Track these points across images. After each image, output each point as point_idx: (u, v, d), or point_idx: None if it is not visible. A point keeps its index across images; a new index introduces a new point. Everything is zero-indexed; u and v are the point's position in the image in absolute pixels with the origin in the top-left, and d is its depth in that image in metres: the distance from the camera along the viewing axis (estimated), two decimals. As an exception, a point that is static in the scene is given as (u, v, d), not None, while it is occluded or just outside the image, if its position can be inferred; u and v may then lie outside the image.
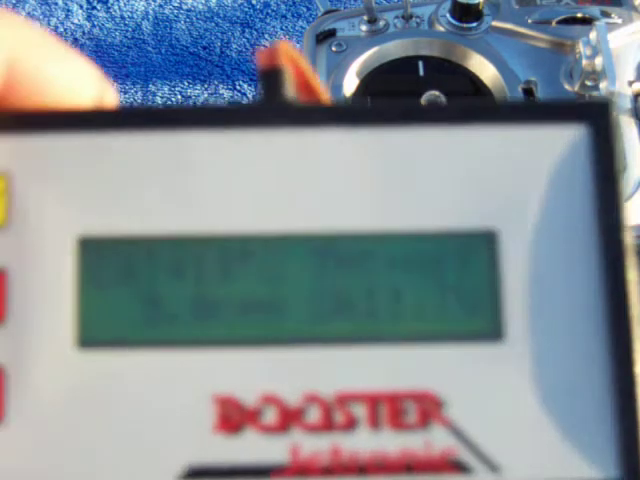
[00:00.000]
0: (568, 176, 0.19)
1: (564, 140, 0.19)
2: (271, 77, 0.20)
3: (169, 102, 0.90)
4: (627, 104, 0.61)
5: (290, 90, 0.20)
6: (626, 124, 0.60)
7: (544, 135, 0.19)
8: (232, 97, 0.90)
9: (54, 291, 0.19)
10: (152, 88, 0.91)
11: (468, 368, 0.18)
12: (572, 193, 0.19)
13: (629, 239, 0.19)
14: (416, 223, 0.19)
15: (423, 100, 0.57)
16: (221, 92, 0.91)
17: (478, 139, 0.19)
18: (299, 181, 0.19)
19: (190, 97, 0.91)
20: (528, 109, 0.19)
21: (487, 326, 0.19)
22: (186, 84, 0.92)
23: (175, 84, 0.92)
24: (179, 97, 0.91)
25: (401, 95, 0.62)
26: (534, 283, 0.19)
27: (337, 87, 0.62)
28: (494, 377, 0.18)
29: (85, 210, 0.19)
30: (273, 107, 0.19)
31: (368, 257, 0.19)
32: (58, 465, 0.18)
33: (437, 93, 0.57)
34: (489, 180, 0.19)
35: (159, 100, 0.90)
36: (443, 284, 0.19)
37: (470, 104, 0.19)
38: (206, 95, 0.90)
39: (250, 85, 0.91)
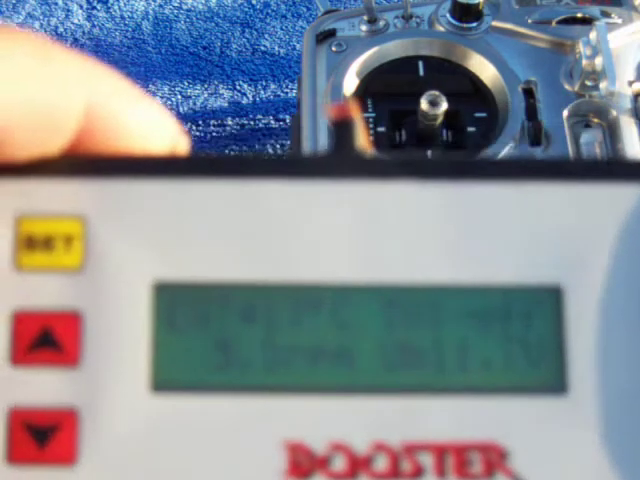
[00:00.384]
0: (632, 234, 0.19)
1: (629, 198, 0.20)
2: (343, 129, 0.20)
3: (169, 102, 0.90)
4: (627, 104, 0.61)
5: (361, 142, 0.20)
6: (626, 124, 0.60)
7: (610, 193, 0.20)
8: (232, 97, 0.90)
9: (129, 335, 0.19)
10: (152, 88, 0.91)
11: (532, 420, 0.19)
12: (635, 250, 0.19)
13: None
14: (484, 276, 0.19)
15: (423, 100, 0.57)
16: (221, 92, 0.91)
17: (547, 195, 0.20)
18: (370, 232, 0.19)
19: (190, 97, 0.91)
20: (594, 167, 0.20)
21: (551, 379, 0.19)
22: (186, 84, 0.92)
23: (175, 84, 0.92)
24: (179, 97, 0.91)
25: (401, 95, 0.62)
26: (599, 339, 0.19)
27: (337, 87, 0.62)
28: (557, 429, 0.19)
29: (160, 256, 0.19)
30: (346, 158, 0.20)
31: (436, 309, 0.19)
32: None
33: (437, 93, 0.57)
34: (557, 236, 0.19)
35: (159, 100, 0.90)
36: (509, 337, 0.19)
37: (541, 161, 0.20)
38: (206, 95, 0.90)
39: (250, 85, 0.91)
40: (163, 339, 0.19)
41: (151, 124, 0.20)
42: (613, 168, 0.20)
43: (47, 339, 0.19)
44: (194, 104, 0.90)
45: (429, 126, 0.59)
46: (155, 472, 0.18)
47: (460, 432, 0.19)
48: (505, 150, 0.59)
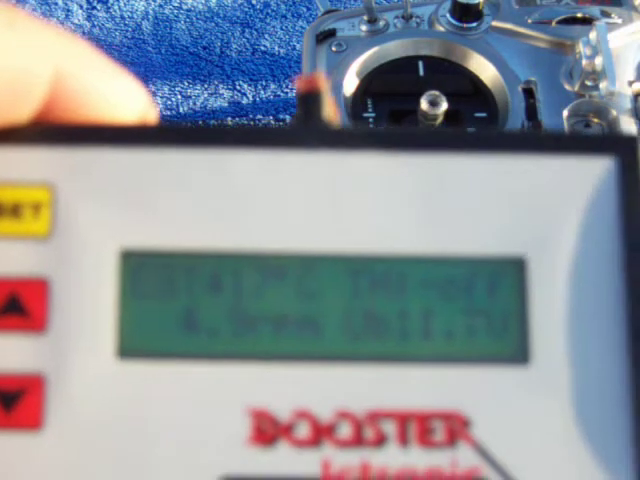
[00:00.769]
0: (597, 206, 0.20)
1: (594, 172, 0.20)
2: (310, 100, 0.20)
3: (169, 102, 0.90)
4: (627, 104, 0.61)
5: (327, 114, 0.20)
6: (626, 124, 0.60)
7: (574, 166, 0.20)
8: (232, 97, 0.90)
9: (95, 302, 0.19)
10: (152, 88, 0.91)
11: (495, 390, 0.19)
12: (601, 222, 0.19)
13: None
14: (448, 248, 0.19)
15: (423, 100, 0.57)
16: (221, 92, 0.91)
17: (513, 167, 0.20)
18: (335, 202, 0.19)
19: (190, 97, 0.91)
20: (560, 140, 0.20)
21: (514, 350, 0.19)
22: (186, 84, 0.92)
23: (175, 84, 0.92)
24: (179, 97, 0.91)
25: (401, 95, 0.62)
26: (562, 310, 0.19)
27: (337, 87, 0.62)
28: (520, 399, 0.19)
29: (127, 224, 0.19)
30: (313, 129, 0.20)
31: (401, 279, 0.19)
32: (93, 474, 0.18)
33: (437, 93, 0.57)
34: (522, 208, 0.20)
35: (159, 100, 0.90)
36: (473, 308, 0.19)
37: (503, 133, 0.20)
38: (206, 95, 0.90)
39: (250, 85, 0.91)
40: (129, 306, 0.19)
41: (120, 93, 0.19)
42: (580, 141, 0.20)
43: (14, 305, 0.19)
44: (194, 104, 0.90)
45: (429, 126, 0.59)
46: (120, 438, 0.19)
47: (423, 401, 0.19)
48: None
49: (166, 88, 0.91)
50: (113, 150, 0.19)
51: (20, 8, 0.18)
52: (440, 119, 0.58)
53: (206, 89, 0.91)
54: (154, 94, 0.91)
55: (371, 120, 0.61)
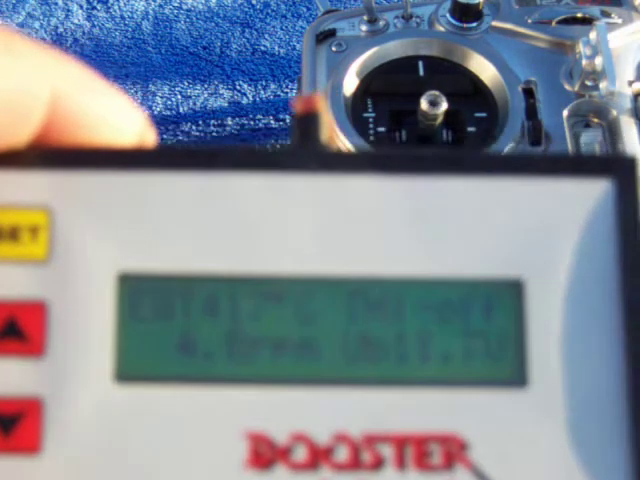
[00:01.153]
0: (594, 228, 0.20)
1: (591, 193, 0.20)
2: (308, 122, 0.20)
3: (169, 102, 0.90)
4: (627, 104, 0.61)
5: (325, 136, 0.20)
6: (626, 124, 0.60)
7: (571, 188, 0.20)
8: (232, 97, 0.90)
9: (93, 325, 0.19)
10: (152, 88, 0.91)
11: (492, 412, 0.19)
12: (598, 244, 0.19)
13: None
14: (445, 270, 0.19)
15: (423, 100, 0.57)
16: (221, 92, 0.91)
17: (510, 189, 0.20)
18: (333, 225, 0.20)
19: (190, 97, 0.91)
20: (556, 162, 0.20)
21: (511, 372, 0.19)
22: (186, 84, 0.92)
23: (175, 84, 0.92)
24: (179, 97, 0.90)
25: (401, 95, 0.62)
26: (559, 332, 0.19)
27: (337, 87, 0.62)
28: (517, 422, 0.19)
29: (125, 247, 0.19)
30: (312, 151, 0.20)
31: (398, 302, 0.19)
32: None
33: (437, 93, 0.57)
34: (519, 230, 0.20)
35: (159, 100, 0.90)
36: (470, 330, 0.19)
37: (501, 155, 0.20)
38: (206, 95, 0.90)
39: (250, 85, 0.91)
40: (127, 330, 0.19)
41: (117, 116, 0.19)
42: (577, 163, 0.20)
43: (12, 329, 0.19)
44: (194, 104, 0.90)
45: (429, 126, 0.59)
46: (118, 462, 0.19)
47: (421, 424, 0.19)
48: (505, 150, 0.59)
49: (166, 88, 0.91)
50: (111, 173, 0.19)
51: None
52: (440, 119, 0.58)
53: (206, 89, 0.91)
54: (154, 94, 0.91)
55: (371, 120, 0.61)
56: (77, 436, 0.19)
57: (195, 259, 0.19)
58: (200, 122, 0.88)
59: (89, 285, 0.19)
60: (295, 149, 0.20)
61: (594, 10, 0.66)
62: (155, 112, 0.89)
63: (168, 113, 0.90)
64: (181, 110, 0.90)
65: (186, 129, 0.88)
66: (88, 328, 0.19)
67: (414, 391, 0.19)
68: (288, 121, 0.85)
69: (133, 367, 0.19)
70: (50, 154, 0.19)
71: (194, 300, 0.19)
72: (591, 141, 0.60)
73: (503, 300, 0.19)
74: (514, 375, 0.19)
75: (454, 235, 0.20)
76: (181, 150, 0.20)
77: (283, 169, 0.20)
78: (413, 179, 0.20)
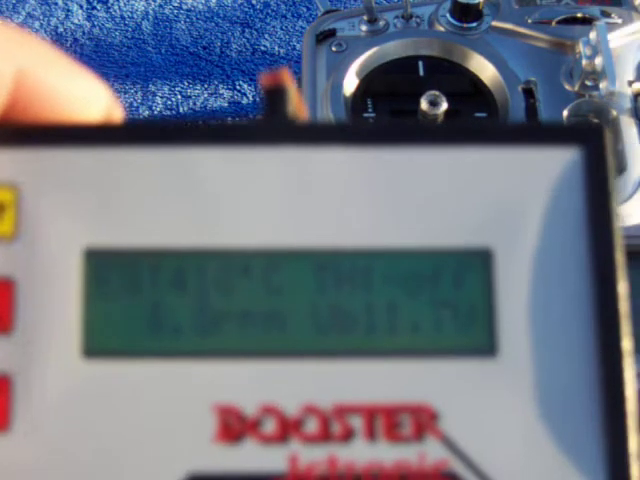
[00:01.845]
0: (563, 197, 0.19)
1: (559, 162, 0.20)
2: (275, 95, 0.20)
3: (169, 102, 0.90)
4: (627, 104, 0.61)
5: (292, 109, 0.20)
6: (626, 124, 0.60)
7: (539, 157, 0.20)
8: (232, 97, 0.90)
9: (61, 302, 0.19)
10: (152, 88, 0.91)
11: (463, 382, 0.19)
12: (566, 213, 0.19)
13: (621, 258, 0.19)
14: (413, 241, 0.19)
15: (423, 100, 0.57)
16: (221, 92, 0.91)
17: (477, 159, 0.20)
18: (300, 198, 0.19)
19: (190, 97, 0.91)
20: (524, 131, 0.20)
21: (481, 342, 0.19)
22: (186, 84, 0.92)
23: (175, 84, 0.92)
24: (179, 97, 0.91)
25: (401, 95, 0.62)
26: (529, 301, 0.19)
27: (337, 87, 0.62)
28: (487, 391, 0.19)
29: (92, 223, 0.19)
30: (276, 124, 0.20)
31: (366, 273, 0.19)
32: (60, 472, 0.18)
33: (437, 93, 0.57)
34: (487, 200, 0.19)
35: (159, 100, 0.90)
36: (439, 300, 0.19)
37: (468, 125, 0.20)
38: (206, 95, 0.90)
39: (250, 85, 0.91)
40: (94, 305, 0.19)
41: (83, 92, 0.19)
42: (545, 132, 0.20)
43: None
44: (194, 104, 0.90)
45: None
46: (87, 437, 0.19)
47: (390, 395, 0.19)
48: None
49: (166, 88, 0.91)
50: (76, 150, 0.19)
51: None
52: (440, 119, 0.58)
53: (206, 89, 0.91)
54: (154, 94, 0.91)
55: (371, 120, 0.61)
56: (46, 413, 0.19)
57: (162, 234, 0.19)
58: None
59: (56, 262, 0.19)
60: (259, 122, 0.20)
61: (594, 10, 0.66)
62: (155, 112, 0.89)
63: (168, 113, 0.90)
64: (181, 110, 0.90)
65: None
66: (55, 304, 0.19)
67: (384, 362, 0.19)
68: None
69: (101, 342, 0.19)
70: (16, 131, 0.19)
71: (161, 275, 0.19)
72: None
73: (472, 270, 0.19)
74: (484, 344, 0.19)
75: (422, 206, 0.19)
76: (146, 125, 0.20)
77: (248, 142, 0.19)
78: (380, 151, 0.20)
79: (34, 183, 0.19)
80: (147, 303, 0.19)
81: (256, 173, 0.19)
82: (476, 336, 0.19)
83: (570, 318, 0.19)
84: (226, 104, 0.90)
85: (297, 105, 0.21)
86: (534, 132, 0.20)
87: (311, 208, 0.19)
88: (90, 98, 0.20)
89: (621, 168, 0.58)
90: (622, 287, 0.19)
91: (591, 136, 0.20)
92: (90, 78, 0.20)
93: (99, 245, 0.19)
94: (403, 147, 0.20)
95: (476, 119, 0.61)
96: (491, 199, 0.19)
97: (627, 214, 0.57)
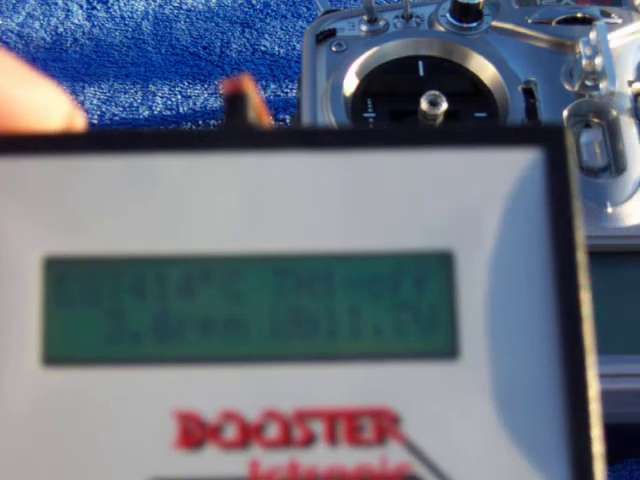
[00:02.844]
0: (524, 199, 0.19)
1: (519, 164, 0.20)
2: (235, 102, 0.20)
3: (169, 102, 0.90)
4: (627, 104, 0.61)
5: (253, 115, 0.20)
6: (626, 124, 0.60)
7: (500, 158, 0.20)
8: (232, 97, 0.90)
9: (19, 310, 0.19)
10: (152, 88, 0.91)
11: (424, 386, 0.19)
12: (528, 215, 0.19)
13: (583, 259, 0.19)
14: (374, 244, 0.19)
15: (423, 100, 0.57)
16: (221, 92, 0.91)
17: (436, 162, 0.20)
18: (259, 203, 0.19)
19: (190, 97, 0.91)
20: (484, 132, 0.20)
21: (443, 345, 0.19)
22: (186, 84, 0.92)
23: (175, 84, 0.92)
24: (179, 97, 0.90)
25: (401, 95, 0.62)
26: (490, 303, 0.19)
27: (337, 87, 0.62)
28: (449, 394, 0.19)
29: (50, 231, 0.19)
30: (238, 130, 0.20)
31: (327, 277, 0.19)
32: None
33: (437, 93, 0.57)
34: (447, 202, 0.19)
35: (159, 100, 0.90)
36: (400, 304, 0.19)
37: (427, 128, 0.20)
38: (206, 95, 0.90)
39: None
40: (54, 313, 0.19)
41: (42, 101, 0.19)
42: (505, 134, 0.20)
43: None
44: (194, 104, 0.90)
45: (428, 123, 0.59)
46: (46, 445, 0.18)
47: (352, 399, 0.19)
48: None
49: (166, 88, 0.91)
50: (34, 158, 0.19)
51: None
52: (440, 119, 0.58)
53: (206, 89, 0.91)
54: (154, 94, 0.91)
55: (371, 120, 0.61)
56: (5, 420, 0.18)
57: (121, 241, 0.19)
58: (200, 122, 0.88)
59: (15, 270, 0.19)
60: (217, 129, 0.21)
61: (594, 10, 0.66)
62: (155, 112, 0.89)
63: (168, 113, 0.90)
64: (181, 110, 0.90)
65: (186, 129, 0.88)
66: (14, 313, 0.19)
67: (345, 366, 0.19)
68: (288, 121, 0.85)
69: (60, 350, 0.19)
70: None
71: (121, 282, 0.19)
72: (591, 141, 0.60)
73: (433, 272, 0.19)
74: (445, 348, 0.19)
75: (382, 209, 0.19)
76: (103, 133, 0.20)
77: (207, 148, 0.19)
78: (338, 154, 0.20)
79: None
80: (107, 310, 0.19)
81: (216, 179, 0.19)
82: (437, 339, 0.19)
83: (532, 320, 0.19)
84: (226, 104, 0.90)
85: (259, 111, 0.21)
86: (494, 133, 0.20)
87: (270, 213, 0.19)
88: (49, 106, 0.19)
89: (621, 168, 0.58)
90: (584, 289, 0.19)
91: (552, 137, 0.20)
92: (49, 86, 0.19)
93: (58, 253, 0.19)
94: (361, 151, 0.20)
95: (475, 119, 0.61)
96: (452, 201, 0.19)
97: (627, 214, 0.57)
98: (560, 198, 0.19)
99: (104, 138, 0.20)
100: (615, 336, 0.51)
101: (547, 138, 0.20)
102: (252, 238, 0.19)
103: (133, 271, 0.19)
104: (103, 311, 0.19)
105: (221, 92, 0.20)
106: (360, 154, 0.20)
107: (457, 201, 0.19)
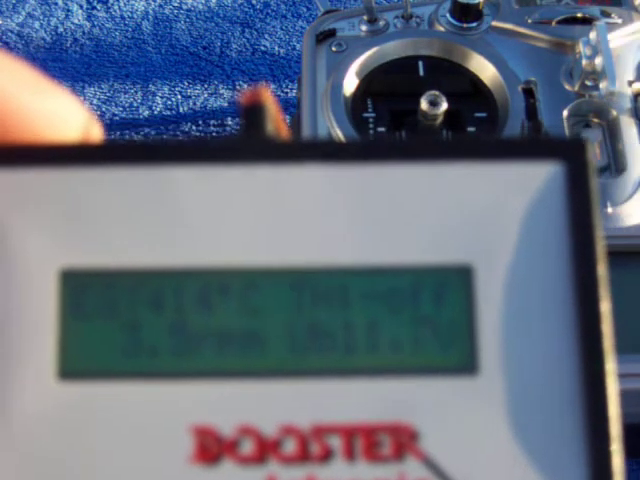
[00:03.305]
0: (543, 213, 0.19)
1: (540, 177, 0.19)
2: (253, 113, 0.20)
3: (169, 102, 0.90)
4: (627, 104, 0.61)
5: (271, 126, 0.20)
6: (626, 124, 0.60)
7: (520, 172, 0.19)
8: (232, 97, 0.90)
9: (36, 323, 0.19)
10: (152, 88, 0.91)
11: (443, 401, 0.19)
12: (547, 229, 0.19)
13: (604, 274, 0.19)
14: (393, 258, 0.19)
15: (423, 100, 0.57)
16: (221, 92, 0.91)
17: (456, 174, 0.19)
18: (277, 216, 0.19)
19: (190, 97, 0.91)
20: (504, 145, 0.20)
21: (461, 360, 0.19)
22: (186, 84, 0.92)
23: (175, 84, 0.92)
24: (179, 97, 0.90)
25: (401, 95, 0.62)
26: (509, 318, 0.19)
27: (337, 87, 0.62)
28: (468, 410, 0.19)
29: (67, 243, 0.19)
30: (255, 142, 0.20)
31: (345, 291, 0.19)
32: None
33: (437, 93, 0.57)
34: (467, 216, 0.19)
35: (159, 100, 0.90)
36: (419, 318, 0.19)
37: (447, 140, 0.20)
38: (206, 95, 0.90)
39: (250, 85, 0.91)
40: (70, 326, 0.19)
41: (59, 111, 0.19)
42: (525, 147, 0.20)
43: None
44: (194, 104, 0.90)
45: (429, 126, 0.59)
46: (63, 459, 0.18)
47: (370, 414, 0.19)
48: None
49: (166, 88, 0.91)
50: (51, 170, 0.19)
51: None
52: (440, 119, 0.58)
53: (206, 89, 0.91)
54: (154, 94, 0.91)
55: (371, 120, 0.61)
56: (21, 437, 0.18)
57: (138, 254, 0.19)
58: (200, 122, 0.88)
59: (31, 283, 0.19)
60: (238, 140, 0.20)
61: (594, 10, 0.66)
62: (155, 112, 0.89)
63: (168, 113, 0.90)
64: (181, 110, 0.90)
65: (186, 129, 0.88)
66: (31, 326, 0.19)
67: (363, 381, 0.19)
68: (288, 121, 0.85)
69: (77, 364, 0.19)
70: None
71: (138, 295, 0.19)
72: (591, 141, 0.60)
73: (452, 286, 0.19)
74: (464, 363, 0.19)
75: (401, 222, 0.19)
76: (122, 144, 0.20)
77: (225, 160, 0.19)
78: (356, 167, 0.19)
79: (8, 204, 0.19)
80: (124, 323, 0.19)
81: (233, 191, 0.19)
82: (456, 354, 0.19)
83: (551, 335, 0.19)
84: (226, 104, 0.90)
85: (277, 123, 0.21)
86: (514, 146, 0.20)
87: (289, 226, 0.19)
88: (66, 116, 0.19)
89: (621, 168, 0.58)
90: (605, 305, 0.19)
91: (573, 150, 0.19)
92: (66, 96, 0.19)
93: (75, 266, 0.19)
94: (379, 163, 0.19)
95: (474, 119, 0.61)
96: (471, 214, 0.19)
97: (627, 214, 0.57)
98: (580, 212, 0.19)
99: (121, 150, 0.19)
100: (615, 336, 0.51)
101: (568, 151, 0.19)
102: (269, 251, 0.19)
103: (150, 284, 0.19)
104: (120, 324, 0.19)
105: (239, 103, 0.20)
106: (378, 167, 0.19)
107: (476, 214, 0.19)
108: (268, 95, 0.20)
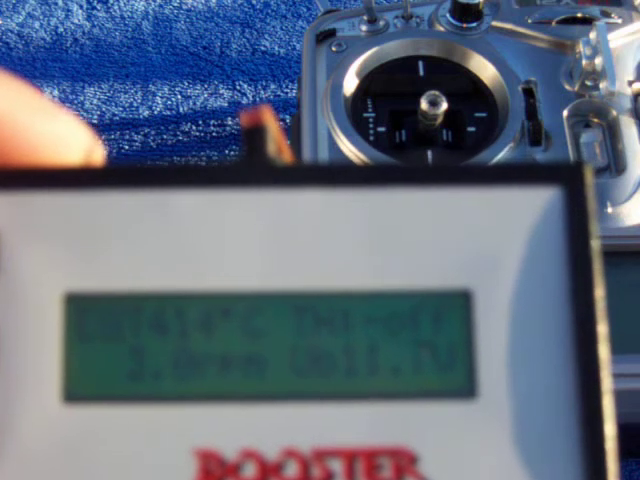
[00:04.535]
0: (543, 238, 0.19)
1: (539, 202, 0.20)
2: (254, 136, 0.20)
3: (169, 102, 0.90)
4: (627, 104, 0.61)
5: (273, 148, 0.20)
6: (626, 124, 0.60)
7: (519, 197, 0.20)
8: (232, 97, 0.90)
9: (40, 347, 0.19)
10: (152, 88, 0.91)
11: (442, 425, 0.19)
12: (547, 254, 0.19)
13: (601, 298, 0.19)
14: (392, 282, 0.19)
15: (423, 100, 0.57)
16: (221, 92, 0.91)
17: (456, 199, 0.20)
18: (279, 240, 0.19)
19: (190, 97, 0.90)
20: (502, 171, 0.20)
21: (461, 384, 0.19)
22: (186, 84, 0.92)
23: (175, 84, 0.91)
24: (179, 97, 0.90)
25: (401, 95, 0.62)
26: (508, 342, 0.19)
27: (337, 87, 0.62)
28: (467, 434, 0.19)
29: (70, 267, 0.19)
30: (257, 166, 0.20)
31: (345, 315, 0.19)
32: None
33: (437, 93, 0.57)
34: (466, 240, 0.19)
35: (159, 100, 0.90)
36: (418, 342, 0.19)
37: (446, 166, 0.20)
38: (206, 95, 0.90)
39: (250, 85, 0.91)
40: (74, 350, 0.19)
41: (62, 134, 0.19)
42: (524, 171, 0.20)
43: None
44: (194, 104, 0.90)
45: (429, 126, 0.59)
46: None
47: (370, 437, 0.19)
48: (505, 150, 0.59)
49: (166, 88, 0.91)
50: (55, 193, 0.19)
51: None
52: (440, 119, 0.58)
53: (206, 89, 0.91)
54: (154, 94, 0.91)
55: (371, 120, 0.61)
56: (25, 457, 0.18)
57: (141, 277, 0.19)
58: (200, 122, 0.88)
59: (35, 306, 0.19)
60: (240, 164, 0.20)
61: (594, 10, 0.66)
62: (155, 112, 0.89)
63: (168, 113, 0.90)
64: (181, 110, 0.90)
65: (186, 129, 0.88)
66: (34, 350, 0.19)
67: (363, 404, 0.19)
68: (288, 121, 0.85)
69: (81, 387, 0.19)
70: None
71: (141, 318, 0.19)
72: (591, 141, 0.60)
73: (451, 311, 0.19)
74: (463, 386, 0.19)
75: (400, 247, 0.19)
76: (122, 168, 0.20)
77: (227, 184, 0.19)
78: (359, 192, 0.20)
79: (12, 226, 0.19)
80: (128, 347, 0.19)
81: (235, 215, 0.19)
82: (456, 378, 0.19)
83: (550, 360, 0.19)
84: (226, 104, 0.90)
85: (279, 144, 0.21)
86: (513, 172, 0.20)
87: (290, 250, 0.19)
88: (69, 139, 0.19)
89: (621, 168, 0.58)
90: (602, 329, 0.19)
91: (571, 175, 0.20)
92: (69, 118, 0.19)
93: (79, 289, 0.19)
94: (381, 188, 0.20)
95: (474, 119, 0.61)
96: (471, 239, 0.19)
97: (627, 214, 0.57)
98: (579, 236, 0.19)
99: (123, 173, 0.19)
100: (615, 336, 0.51)
101: (567, 176, 0.20)
102: (271, 275, 0.19)
103: (153, 307, 0.19)
104: (124, 348, 0.19)
105: (240, 125, 0.19)
106: (380, 192, 0.19)
107: (476, 239, 0.19)
108: (269, 115, 0.20)
